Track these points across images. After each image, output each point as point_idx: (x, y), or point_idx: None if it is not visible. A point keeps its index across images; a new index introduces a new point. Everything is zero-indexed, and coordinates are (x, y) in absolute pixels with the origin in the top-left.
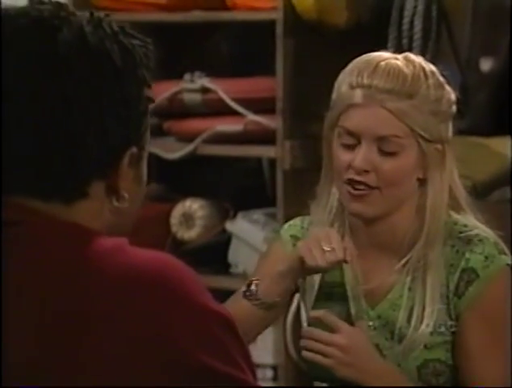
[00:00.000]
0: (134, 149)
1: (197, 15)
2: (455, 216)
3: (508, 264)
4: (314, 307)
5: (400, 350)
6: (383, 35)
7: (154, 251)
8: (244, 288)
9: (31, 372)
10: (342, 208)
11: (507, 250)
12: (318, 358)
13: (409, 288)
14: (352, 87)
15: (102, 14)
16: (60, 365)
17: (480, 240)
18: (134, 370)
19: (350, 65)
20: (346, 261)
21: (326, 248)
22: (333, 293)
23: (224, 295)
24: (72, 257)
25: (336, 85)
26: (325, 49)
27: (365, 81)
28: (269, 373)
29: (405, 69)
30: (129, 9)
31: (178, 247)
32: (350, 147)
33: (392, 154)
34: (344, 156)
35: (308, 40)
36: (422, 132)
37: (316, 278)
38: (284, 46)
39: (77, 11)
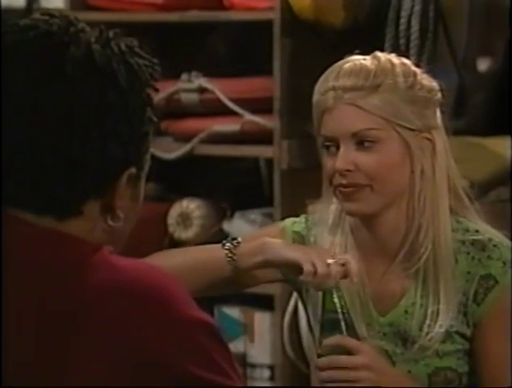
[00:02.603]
0: (133, 170)
1: (194, 15)
2: (464, 221)
3: None
4: (322, 337)
5: (412, 356)
6: (380, 35)
7: (138, 261)
8: (225, 241)
9: (29, 373)
10: (342, 210)
11: None
12: (347, 386)
13: (421, 296)
14: (322, 94)
15: (111, 32)
16: (52, 370)
17: (495, 245)
18: (119, 381)
19: (323, 75)
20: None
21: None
22: (335, 321)
23: (221, 295)
24: (56, 265)
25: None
26: (322, 49)
27: (330, 84)
28: (266, 373)
29: (369, 65)
30: (126, 9)
31: (176, 247)
32: (332, 153)
33: (370, 148)
34: (329, 163)
35: (305, 39)
36: (400, 121)
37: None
38: (281, 46)
39: (74, 12)
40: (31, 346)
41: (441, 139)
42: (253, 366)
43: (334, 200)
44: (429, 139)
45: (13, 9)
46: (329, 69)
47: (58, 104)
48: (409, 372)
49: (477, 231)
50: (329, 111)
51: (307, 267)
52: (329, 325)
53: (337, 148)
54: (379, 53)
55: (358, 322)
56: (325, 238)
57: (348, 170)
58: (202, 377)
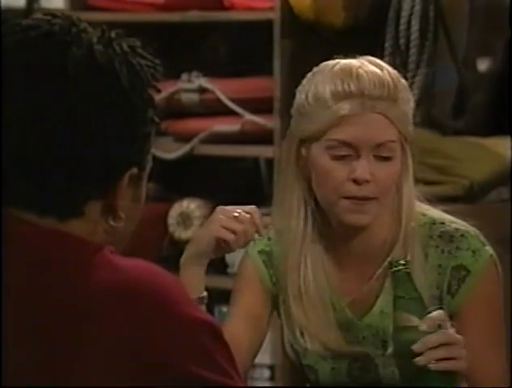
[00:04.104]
0: (134, 170)
1: (194, 15)
2: (429, 214)
3: (491, 255)
4: (398, 318)
5: (393, 356)
6: (380, 35)
7: (139, 260)
8: None
9: (29, 373)
10: (322, 218)
11: (486, 241)
12: (451, 364)
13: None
14: (340, 98)
15: (113, 32)
16: (53, 370)
17: (463, 235)
18: (120, 381)
19: (324, 76)
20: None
21: (240, 225)
22: (408, 304)
23: (221, 295)
24: (57, 265)
25: (308, 96)
26: (322, 49)
27: (353, 90)
28: (266, 373)
29: (381, 74)
30: (127, 9)
31: (176, 247)
32: (344, 160)
33: (387, 160)
34: (339, 170)
35: (305, 40)
36: (406, 134)
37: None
38: (281, 46)
39: (75, 12)
40: (32, 346)
41: (410, 150)
42: (253, 366)
43: (306, 211)
44: (407, 151)
45: (13, 9)
46: (333, 72)
47: (59, 104)
48: (393, 372)
49: (443, 223)
50: (353, 118)
51: (228, 237)
52: (401, 307)
53: (356, 156)
54: (374, 59)
55: (332, 330)
56: (295, 254)
57: (366, 181)
58: (203, 376)
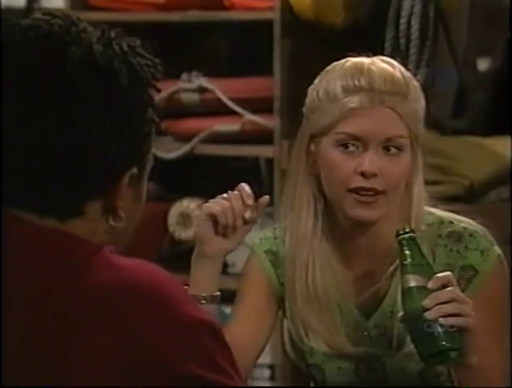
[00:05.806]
0: (134, 170)
1: (195, 15)
2: (436, 213)
3: (499, 255)
4: (404, 280)
5: (402, 357)
6: (380, 35)
7: (139, 260)
8: None
9: (29, 373)
10: (330, 216)
11: (494, 240)
12: (460, 320)
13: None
14: (350, 92)
15: (113, 32)
16: (52, 369)
17: (471, 235)
18: (120, 381)
19: (335, 73)
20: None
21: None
22: (416, 268)
23: (222, 294)
24: (57, 264)
25: (318, 92)
26: (322, 49)
27: (364, 84)
28: (266, 373)
29: (393, 71)
30: (127, 8)
31: (176, 247)
32: (352, 153)
33: (395, 156)
34: (347, 164)
35: (305, 39)
36: (416, 133)
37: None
38: (282, 46)
39: (75, 12)
40: (32, 345)
41: (420, 150)
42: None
43: (316, 207)
44: (417, 149)
45: (13, 9)
46: (345, 67)
47: (59, 105)
48: (402, 370)
49: (451, 222)
50: (360, 111)
51: (215, 209)
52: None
53: (364, 149)
54: (391, 60)
55: (337, 331)
56: (304, 252)
57: (374, 175)
58: (203, 376)
